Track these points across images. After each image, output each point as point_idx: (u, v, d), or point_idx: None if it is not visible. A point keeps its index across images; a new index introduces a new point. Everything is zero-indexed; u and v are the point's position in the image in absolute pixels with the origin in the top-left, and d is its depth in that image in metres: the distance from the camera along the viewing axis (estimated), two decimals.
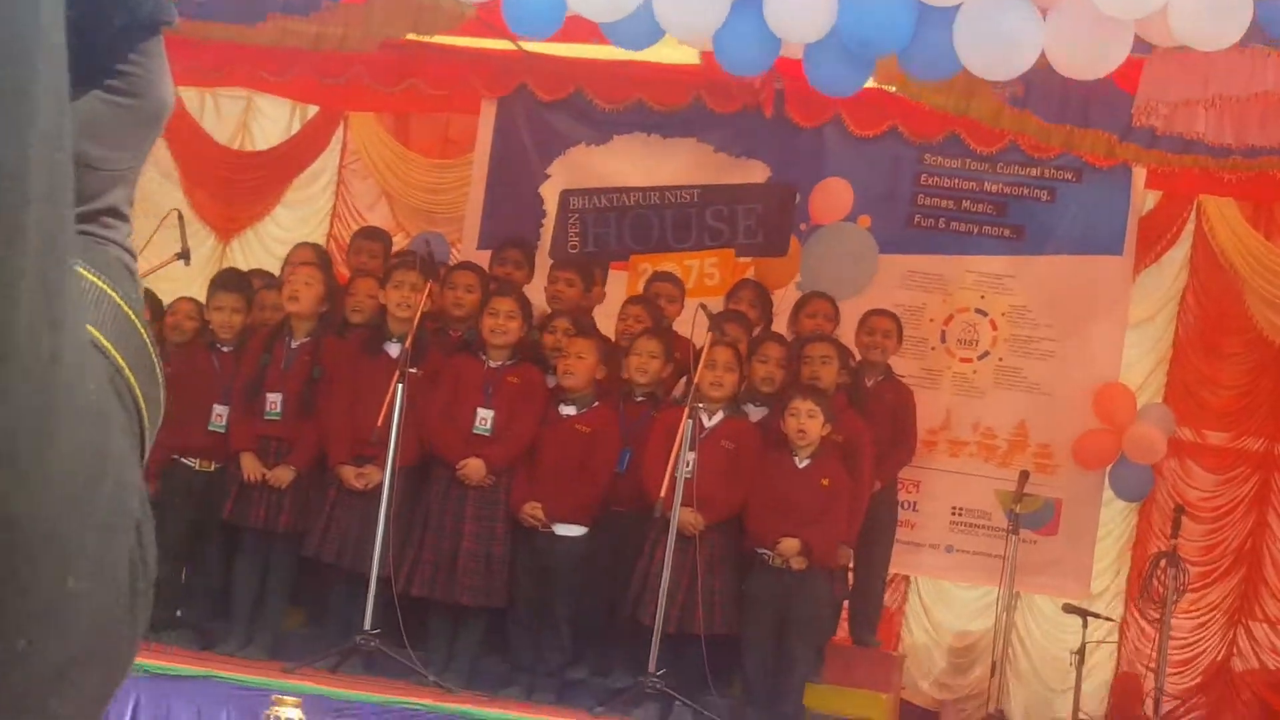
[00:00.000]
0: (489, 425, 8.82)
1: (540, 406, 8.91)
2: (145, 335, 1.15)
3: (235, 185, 12.53)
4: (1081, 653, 10.48)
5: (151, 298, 9.51)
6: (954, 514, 11.02)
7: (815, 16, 7.45)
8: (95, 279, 1.11)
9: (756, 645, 8.62)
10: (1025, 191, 11.11)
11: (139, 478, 1.00)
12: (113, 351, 1.08)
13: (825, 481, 8.66)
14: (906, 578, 11.63)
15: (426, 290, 8.80)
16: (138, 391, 1.10)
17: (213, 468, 9.18)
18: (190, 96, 12.52)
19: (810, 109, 10.96)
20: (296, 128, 12.63)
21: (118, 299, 1.13)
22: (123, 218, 1.25)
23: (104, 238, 1.21)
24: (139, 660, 1.64)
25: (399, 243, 11.31)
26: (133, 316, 1.16)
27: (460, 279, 9.42)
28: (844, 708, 8.80)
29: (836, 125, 11.15)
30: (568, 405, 8.88)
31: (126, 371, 1.09)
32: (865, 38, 7.55)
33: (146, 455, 1.15)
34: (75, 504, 0.87)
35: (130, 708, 7.22)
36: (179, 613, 9.02)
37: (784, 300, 10.57)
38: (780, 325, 10.12)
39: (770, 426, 8.91)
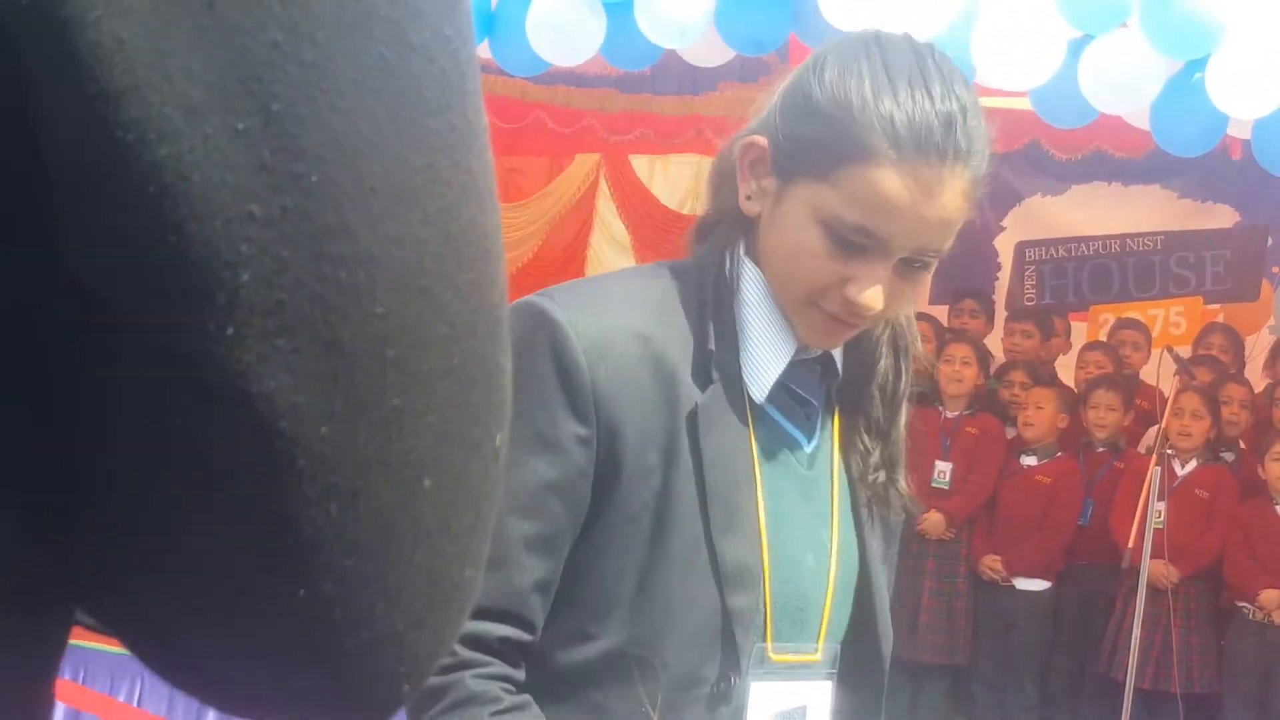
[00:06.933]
0: (947, 478, 8.62)
1: (1000, 457, 8.67)
2: None
3: (686, 250, 12.65)
4: None
5: None
6: None
7: (1263, 93, 6.29)
8: None
9: (1239, 705, 8.14)
10: None
11: None
12: None
13: None
14: None
15: None
16: None
17: None
18: (640, 164, 12.77)
19: None
20: None
21: None
22: None
23: None
24: None
25: None
26: None
27: None
28: None
29: None
30: (1028, 455, 8.61)
31: None
32: None
33: None
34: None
35: None
36: None
37: (1256, 346, 10.09)
38: (1254, 370, 9.64)
39: (1244, 472, 8.46)
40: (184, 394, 0.61)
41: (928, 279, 1.96)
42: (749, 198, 1.97)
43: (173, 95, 0.57)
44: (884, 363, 2.06)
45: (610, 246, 12.87)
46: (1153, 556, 7.93)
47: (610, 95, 11.46)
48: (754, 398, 1.98)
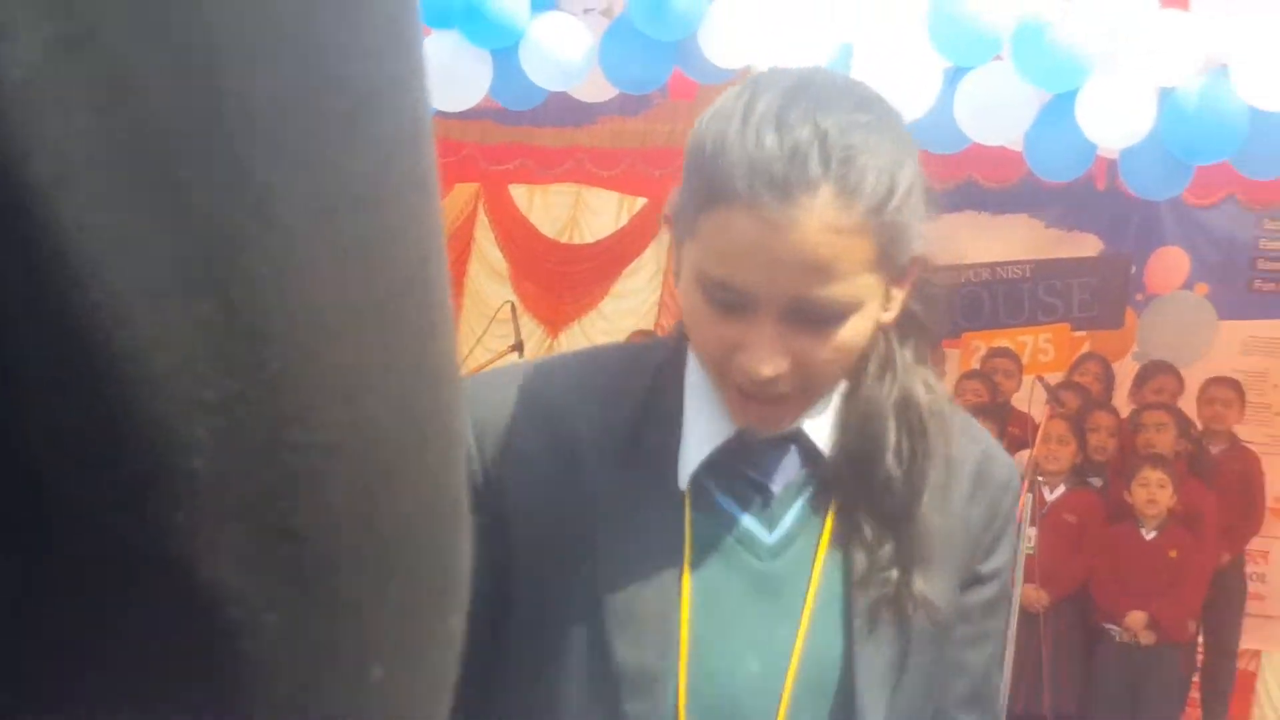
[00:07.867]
0: None
1: None
2: None
3: (564, 278, 12.67)
4: None
5: None
6: None
7: (1131, 123, 6.53)
8: None
9: None
10: None
11: None
12: None
13: (1173, 553, 8.38)
14: (1257, 652, 11.18)
15: None
16: None
17: None
18: (520, 193, 12.77)
19: None
20: (624, 220, 12.66)
21: None
22: None
23: None
24: None
25: None
26: None
27: None
28: None
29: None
30: None
31: None
32: (1189, 145, 6.62)
33: None
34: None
35: None
36: None
37: (1120, 371, 10.34)
38: (1120, 397, 9.89)
39: (1111, 497, 8.68)
40: (126, 577, 0.58)
41: (849, 335, 1.67)
42: (676, 272, 1.76)
43: (133, 278, 0.55)
44: (893, 439, 1.78)
45: (488, 276, 12.86)
46: (1024, 581, 8.11)
47: (490, 127, 11.51)
48: (679, 484, 1.78)
